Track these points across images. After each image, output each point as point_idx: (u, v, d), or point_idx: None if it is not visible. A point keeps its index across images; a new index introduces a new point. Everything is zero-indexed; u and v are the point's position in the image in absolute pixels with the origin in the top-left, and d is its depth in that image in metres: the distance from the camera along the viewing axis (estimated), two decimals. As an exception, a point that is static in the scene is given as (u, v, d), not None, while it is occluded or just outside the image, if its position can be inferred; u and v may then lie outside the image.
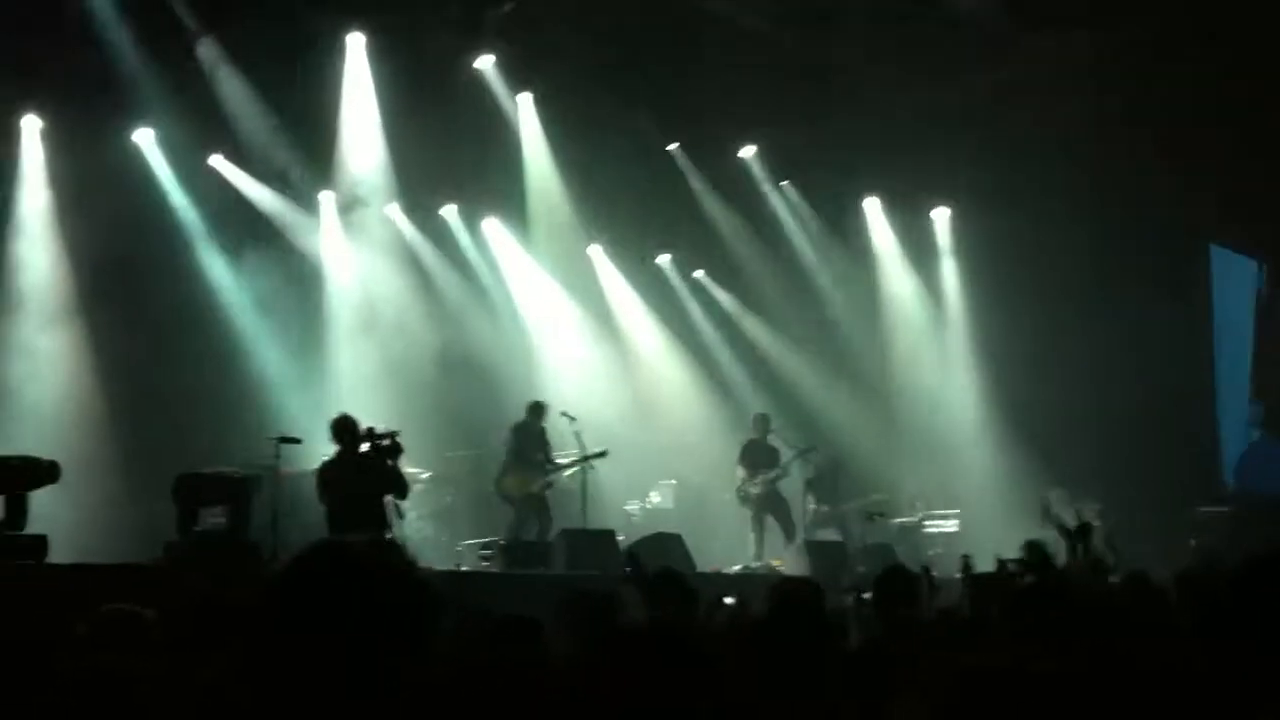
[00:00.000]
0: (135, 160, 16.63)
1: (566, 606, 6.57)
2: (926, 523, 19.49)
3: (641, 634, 2.75)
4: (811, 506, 17.51)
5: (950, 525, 19.29)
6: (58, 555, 9.84)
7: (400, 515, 11.52)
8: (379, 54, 16.84)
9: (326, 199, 18.11)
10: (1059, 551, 11.01)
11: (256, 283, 17.23)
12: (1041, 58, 17.21)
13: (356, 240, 18.12)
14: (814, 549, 15.56)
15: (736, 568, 16.42)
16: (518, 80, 17.77)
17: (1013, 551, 12.08)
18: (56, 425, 14.62)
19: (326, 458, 11.66)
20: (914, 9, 16.49)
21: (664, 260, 21.50)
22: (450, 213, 19.63)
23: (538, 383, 17.94)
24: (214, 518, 11.74)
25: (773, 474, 17.24)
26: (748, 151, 20.18)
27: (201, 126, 16.45)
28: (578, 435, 15.27)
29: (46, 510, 10.49)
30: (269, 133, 16.75)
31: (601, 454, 15.37)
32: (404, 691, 2.16)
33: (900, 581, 7.16)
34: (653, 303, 21.20)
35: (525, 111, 18.29)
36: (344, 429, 11.58)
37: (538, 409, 15.75)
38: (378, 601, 2.16)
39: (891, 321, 22.41)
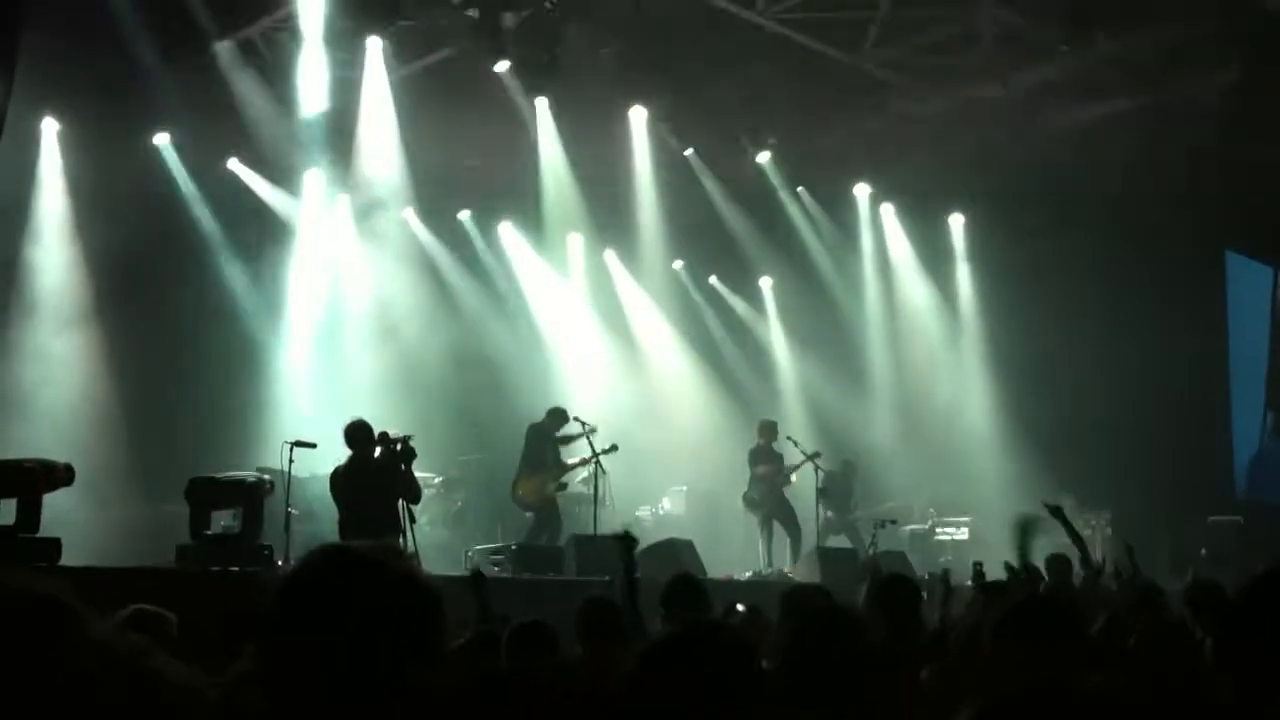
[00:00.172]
0: (153, 164, 16.70)
1: (584, 614, 6.58)
2: (938, 530, 19.49)
3: (674, 641, 2.75)
4: (823, 514, 17.49)
5: (961, 533, 19.28)
6: (70, 558, 9.86)
7: (413, 520, 11.52)
8: (396, 59, 16.86)
9: (343, 203, 18.16)
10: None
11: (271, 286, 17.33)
12: (1059, 64, 17.18)
13: (372, 244, 18.16)
14: (825, 556, 15.54)
15: (748, 574, 16.42)
16: (534, 85, 17.78)
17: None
18: (71, 428, 14.68)
19: (340, 462, 11.67)
20: (931, 15, 16.50)
21: (678, 266, 21.52)
22: (465, 217, 19.69)
23: (551, 388, 17.95)
24: (226, 521, 11.78)
25: (778, 478, 17.24)
26: (763, 157, 20.17)
27: (219, 130, 16.50)
28: (591, 445, 15.29)
29: (60, 513, 10.52)
30: (287, 137, 16.80)
31: (612, 449, 15.36)
32: (419, 698, 2.17)
33: (902, 589, 7.15)
34: (667, 308, 21.22)
35: (542, 116, 18.31)
36: (358, 434, 11.60)
37: (557, 414, 15.76)
38: (382, 605, 2.17)
39: (905, 328, 22.40)
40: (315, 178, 17.90)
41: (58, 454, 10.81)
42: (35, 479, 9.97)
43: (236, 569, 10.30)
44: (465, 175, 18.21)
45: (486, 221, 19.87)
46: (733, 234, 21.01)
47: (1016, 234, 20.74)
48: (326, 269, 18.15)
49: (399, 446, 11.61)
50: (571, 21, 16.43)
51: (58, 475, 10.25)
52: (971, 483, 20.46)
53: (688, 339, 21.34)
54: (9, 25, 10.86)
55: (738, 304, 22.16)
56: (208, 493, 11.49)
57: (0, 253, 15.40)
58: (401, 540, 11.21)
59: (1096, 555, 12.98)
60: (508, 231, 20.05)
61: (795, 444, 17.22)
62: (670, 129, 19.03)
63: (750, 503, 17.33)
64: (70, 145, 16.17)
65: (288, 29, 16.01)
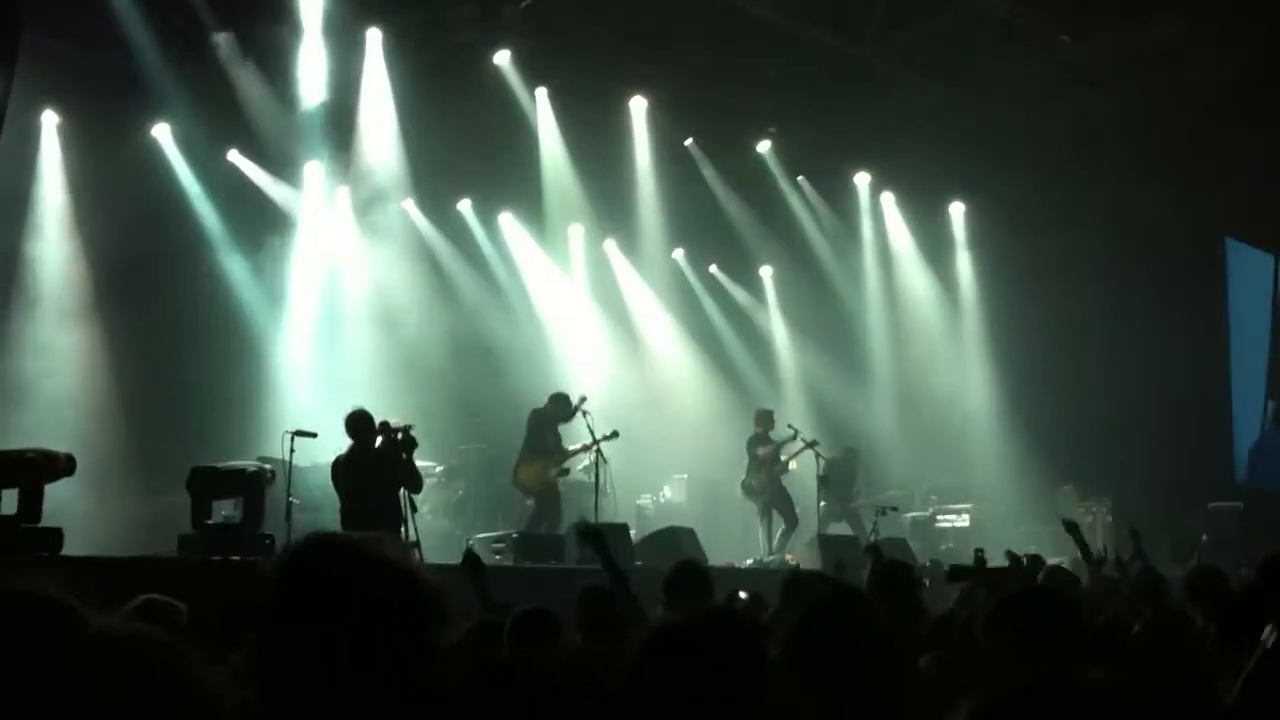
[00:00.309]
0: (153, 156, 16.69)
1: (583, 603, 6.59)
2: (939, 517, 19.52)
3: (681, 629, 2.74)
4: (824, 502, 17.50)
5: (962, 520, 19.31)
6: (72, 548, 9.88)
7: (414, 509, 11.54)
8: (396, 49, 16.85)
9: (343, 194, 18.16)
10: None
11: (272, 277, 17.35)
12: (1060, 56, 17.19)
13: (372, 235, 18.16)
14: (826, 543, 15.56)
15: (749, 562, 16.46)
16: (534, 75, 17.77)
17: (1021, 546, 12.12)
18: (72, 419, 14.69)
19: (341, 452, 11.69)
20: (932, 4, 16.49)
21: (679, 255, 21.52)
22: (465, 207, 19.69)
23: (552, 377, 17.95)
24: (227, 511, 11.80)
25: (775, 466, 17.25)
26: (763, 146, 20.16)
27: (219, 122, 16.50)
28: (589, 426, 15.29)
29: (62, 503, 10.55)
30: (287, 129, 16.79)
31: (613, 435, 15.36)
32: (417, 688, 2.17)
33: (902, 575, 7.16)
34: (667, 298, 21.23)
35: (542, 106, 18.30)
36: (359, 423, 11.61)
37: (559, 400, 15.74)
38: (373, 594, 2.17)
39: (906, 317, 22.43)
40: (315, 169, 17.88)
41: (59, 444, 10.83)
42: (37, 469, 10.00)
43: (238, 558, 10.31)
44: (465, 166, 18.18)
45: (486, 212, 19.86)
46: (733, 223, 21.00)
47: (1017, 224, 20.78)
48: (327, 260, 18.14)
49: (400, 436, 11.64)
50: (571, 12, 16.44)
51: (59, 465, 10.28)
52: (972, 470, 20.52)
53: (688, 328, 21.34)
54: (10, 19, 10.86)
55: (738, 293, 22.16)
56: (209, 482, 11.51)
57: (0, 246, 15.39)
58: (403, 529, 11.24)
59: (1098, 544, 13.01)
60: (508, 221, 20.04)
61: (796, 432, 17.23)
62: (670, 118, 19.01)
63: (749, 490, 17.35)
64: (70, 138, 16.15)
65: (288, 21, 15.99)
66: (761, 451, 17.34)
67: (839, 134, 19.80)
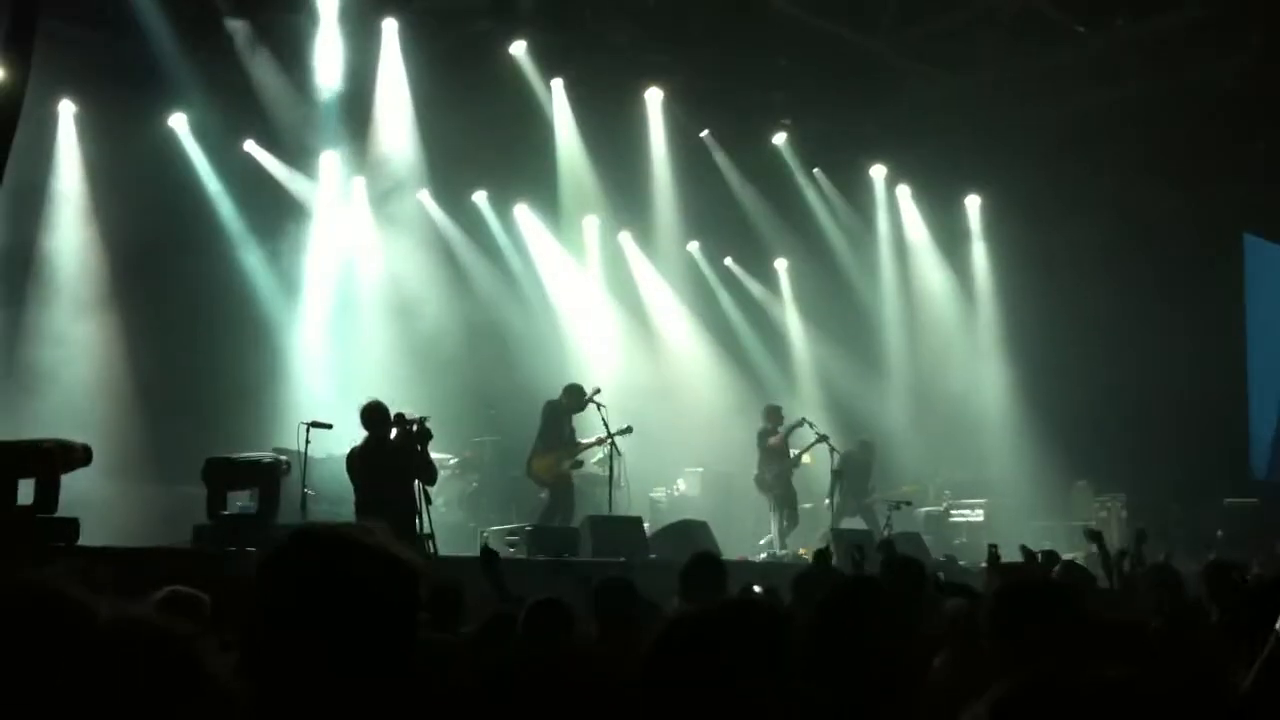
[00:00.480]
0: (169, 145, 16.72)
1: (600, 594, 6.60)
2: (953, 512, 19.49)
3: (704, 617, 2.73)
4: (839, 496, 17.47)
5: (976, 515, 19.27)
6: (88, 538, 9.91)
7: (428, 501, 11.55)
8: (412, 40, 16.85)
9: (359, 185, 18.18)
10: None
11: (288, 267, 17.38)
12: (1076, 47, 17.12)
13: (387, 225, 18.16)
14: (841, 537, 15.54)
15: (763, 555, 16.44)
16: (550, 66, 17.75)
17: (1035, 541, 12.11)
18: (89, 409, 14.71)
19: (356, 443, 11.70)
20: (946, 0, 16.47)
21: (694, 247, 21.50)
22: (481, 198, 19.69)
23: (567, 370, 17.95)
24: (243, 502, 11.82)
25: (787, 462, 17.26)
26: (779, 138, 20.12)
27: (235, 111, 16.52)
28: (604, 420, 15.28)
29: (78, 493, 10.57)
30: (303, 119, 16.80)
31: (626, 430, 15.35)
32: (400, 671, 2.17)
33: (912, 571, 7.16)
34: (682, 290, 21.21)
35: (557, 97, 18.29)
36: (374, 415, 11.61)
37: (572, 391, 15.72)
38: (353, 581, 2.16)
39: (921, 310, 22.39)
40: (331, 159, 17.89)
41: (75, 435, 10.86)
42: (53, 459, 10.03)
43: (253, 549, 10.32)
44: (481, 156, 18.17)
45: (502, 203, 19.86)
46: (748, 216, 20.98)
47: (1032, 217, 20.72)
48: (342, 250, 18.16)
49: (415, 428, 11.63)
50: (587, 2, 16.42)
51: (75, 456, 10.31)
52: (986, 465, 20.48)
53: (703, 321, 21.32)
54: (26, 8, 10.87)
55: (753, 286, 22.14)
56: (224, 473, 11.54)
57: (18, 235, 15.40)
58: (418, 521, 11.26)
59: (1114, 539, 12.98)
60: (523, 213, 20.04)
61: (811, 426, 17.21)
62: (686, 110, 18.99)
63: (762, 484, 17.34)
64: (87, 127, 16.19)
65: (303, 9, 16.00)
66: (772, 441, 17.34)
67: (853, 126, 19.78)
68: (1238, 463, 21.22)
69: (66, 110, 16.12)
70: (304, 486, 12.36)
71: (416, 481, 11.51)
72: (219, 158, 17.08)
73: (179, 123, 16.83)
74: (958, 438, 20.92)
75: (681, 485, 19.25)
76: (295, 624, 2.14)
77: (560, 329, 19.93)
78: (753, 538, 17.52)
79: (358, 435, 11.71)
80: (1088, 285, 20.30)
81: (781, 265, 22.33)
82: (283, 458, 12.51)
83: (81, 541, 9.76)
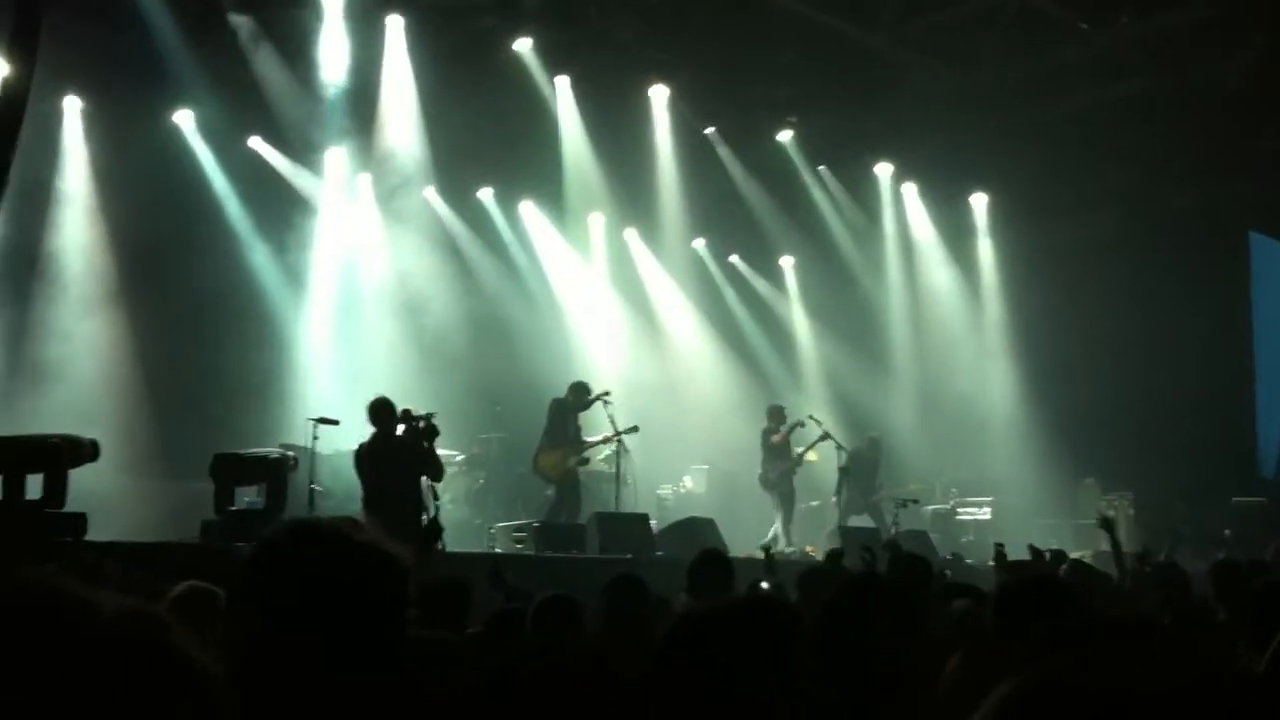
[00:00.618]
0: (174, 142, 16.73)
1: (612, 590, 6.59)
2: (959, 510, 19.48)
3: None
4: (846, 493, 17.48)
5: (983, 513, 19.27)
6: (96, 533, 9.93)
7: (435, 497, 11.56)
8: (417, 36, 16.85)
9: (364, 181, 18.18)
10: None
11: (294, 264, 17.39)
12: (1082, 44, 17.10)
13: (393, 222, 18.17)
14: (848, 534, 15.54)
15: (760, 554, 16.41)
16: (555, 63, 17.74)
17: (1042, 539, 12.10)
18: (96, 405, 14.72)
19: (364, 439, 11.71)
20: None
21: (699, 244, 21.49)
22: (486, 195, 19.69)
23: (572, 367, 17.96)
24: (250, 497, 11.84)
25: (790, 460, 17.28)
26: (784, 135, 20.10)
27: (240, 108, 16.52)
28: (611, 418, 15.29)
29: (86, 488, 10.59)
30: (308, 115, 16.80)
31: (633, 429, 15.36)
32: (384, 665, 2.16)
33: (914, 570, 7.16)
34: (688, 287, 21.20)
35: (562, 94, 18.28)
36: (381, 411, 11.62)
37: (578, 388, 15.74)
38: (338, 576, 2.16)
39: (927, 308, 22.37)
40: (337, 156, 17.90)
41: (83, 431, 10.87)
42: (61, 455, 10.04)
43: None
44: (486, 153, 18.16)
45: (508, 200, 19.86)
46: (754, 213, 20.96)
47: (1038, 215, 20.70)
48: (348, 247, 18.16)
49: (422, 424, 11.64)
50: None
51: (83, 451, 10.32)
52: (993, 463, 20.45)
53: (708, 318, 21.31)
54: (31, 4, 10.87)
55: (759, 283, 22.13)
56: (232, 469, 11.57)
57: (24, 232, 15.42)
58: (424, 517, 11.26)
59: (1122, 539, 12.97)
60: (529, 210, 20.04)
61: (818, 423, 17.22)
62: (691, 107, 18.97)
63: (766, 483, 17.36)
64: (93, 124, 16.19)
65: (307, 4, 16.00)
66: (774, 439, 17.36)
67: (859, 123, 19.75)
68: (1245, 461, 21.18)
69: (72, 106, 16.13)
70: (311, 482, 12.40)
71: (423, 478, 11.53)
72: (224, 154, 17.09)
73: (184, 119, 16.83)
74: (964, 435, 20.90)
75: (688, 482, 19.25)
76: (284, 618, 2.13)
77: (566, 326, 19.92)
78: (759, 535, 17.50)
79: (365, 431, 11.73)
80: (1094, 283, 20.28)
81: (787, 262, 22.31)
82: (290, 453, 12.53)
83: (89, 536, 9.78)
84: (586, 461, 15.69)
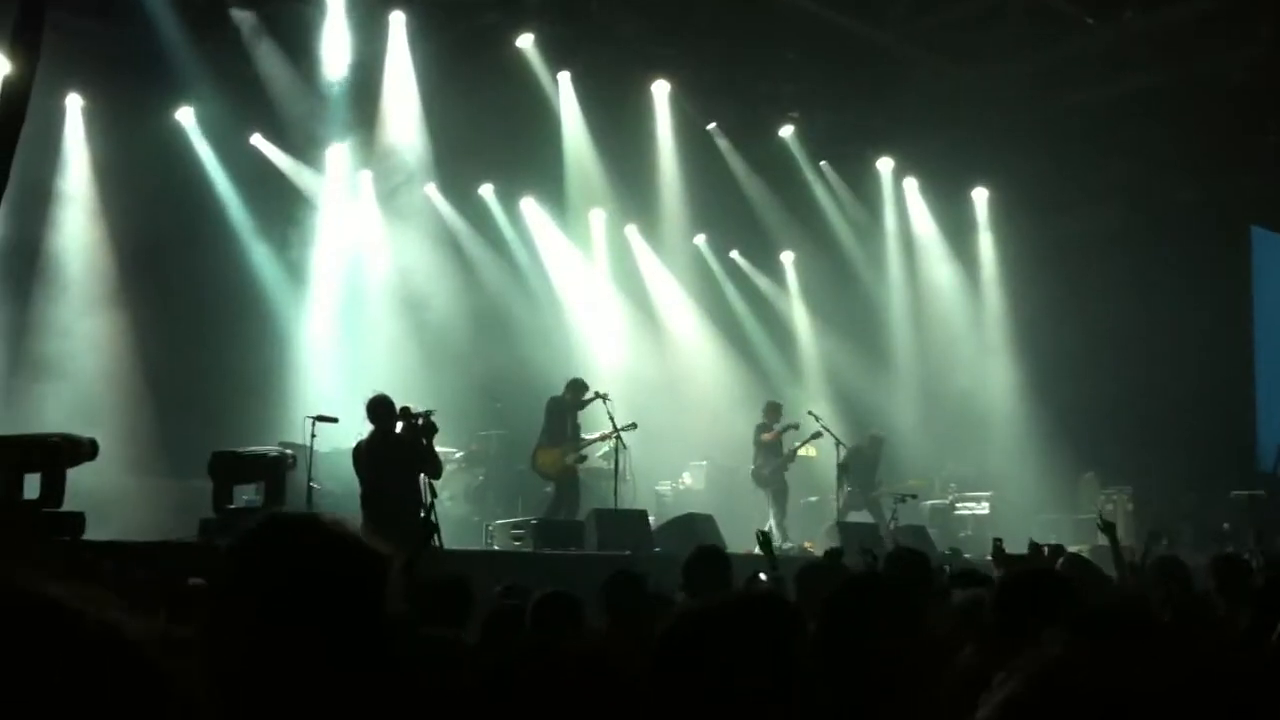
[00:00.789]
0: (176, 139, 16.72)
1: (611, 586, 6.58)
2: (958, 505, 19.47)
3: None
4: (846, 488, 17.48)
5: (981, 508, 19.26)
6: (94, 532, 9.92)
7: (434, 494, 11.54)
8: (419, 32, 16.83)
9: (366, 178, 18.17)
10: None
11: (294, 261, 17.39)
12: (1085, 39, 17.08)
13: (394, 219, 18.16)
14: (846, 530, 15.53)
15: (758, 550, 16.39)
16: (557, 59, 17.73)
17: (1042, 534, 12.08)
18: (95, 403, 14.72)
19: (362, 437, 11.70)
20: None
21: (700, 240, 21.48)
22: (488, 191, 19.67)
23: (572, 363, 17.95)
24: (249, 495, 11.82)
25: (783, 456, 17.29)
26: (786, 131, 20.08)
27: (242, 105, 16.50)
28: (610, 416, 15.28)
29: (85, 487, 10.58)
30: (310, 112, 16.79)
31: (631, 426, 15.36)
32: (365, 658, 2.15)
33: (912, 566, 7.14)
34: (689, 283, 21.19)
35: (564, 90, 18.26)
36: (380, 408, 11.61)
37: (576, 386, 15.76)
38: (318, 568, 2.15)
39: (928, 303, 22.36)
40: (338, 153, 17.88)
41: (83, 429, 10.87)
42: (60, 454, 10.03)
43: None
44: (488, 149, 18.14)
45: (509, 196, 19.85)
46: (755, 208, 20.94)
47: (1041, 209, 20.69)
48: (349, 244, 18.15)
49: (420, 421, 11.62)
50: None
51: (82, 450, 10.31)
52: (993, 458, 20.44)
53: (709, 314, 21.30)
54: (35, 1, 10.85)
55: (760, 279, 22.11)
56: (231, 467, 11.55)
57: (25, 230, 15.40)
58: (423, 514, 11.25)
59: (1121, 533, 12.95)
60: (530, 206, 20.02)
61: (816, 419, 17.22)
62: (693, 103, 18.96)
63: (759, 479, 17.38)
64: (94, 121, 16.19)
65: (311, 1, 15.99)
66: (765, 436, 17.39)
67: (861, 119, 19.74)
68: (1245, 455, 21.17)
69: (73, 104, 16.13)
70: (310, 480, 12.38)
71: (422, 475, 11.51)
72: (225, 151, 17.08)
73: (186, 116, 16.82)
74: (964, 430, 20.90)
75: (687, 479, 19.25)
76: (264, 612, 2.12)
77: (566, 322, 19.91)
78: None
79: (364, 429, 11.72)
80: (1095, 277, 20.27)
81: (788, 258, 22.29)
82: (288, 452, 12.51)
83: (88, 535, 9.77)
84: (584, 459, 15.70)
